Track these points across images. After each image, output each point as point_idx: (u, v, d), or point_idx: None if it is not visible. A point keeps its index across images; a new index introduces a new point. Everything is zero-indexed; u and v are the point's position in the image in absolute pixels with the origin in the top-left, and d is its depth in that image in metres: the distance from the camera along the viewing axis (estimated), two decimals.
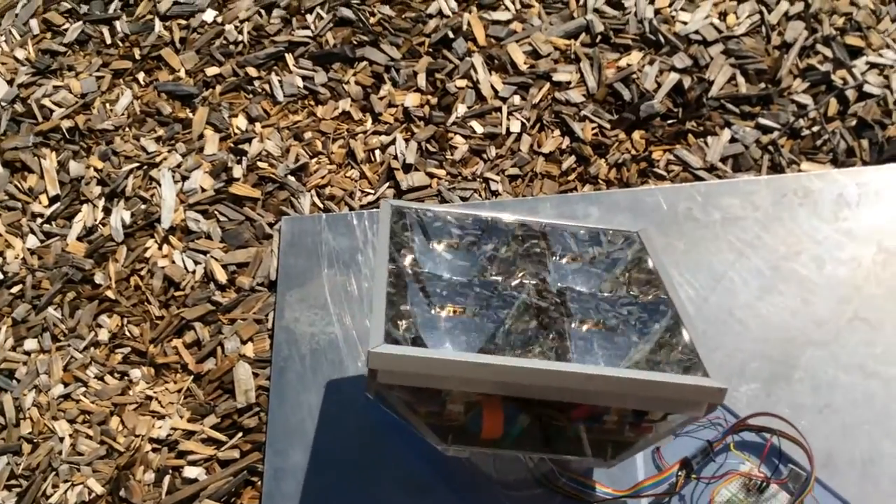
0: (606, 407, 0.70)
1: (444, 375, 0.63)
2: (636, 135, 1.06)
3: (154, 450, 0.97)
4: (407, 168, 1.08)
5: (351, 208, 1.07)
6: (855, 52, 1.08)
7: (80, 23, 1.27)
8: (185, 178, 1.12)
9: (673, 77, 1.08)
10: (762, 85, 1.07)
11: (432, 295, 0.71)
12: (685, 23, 1.12)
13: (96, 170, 1.15)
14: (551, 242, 0.82)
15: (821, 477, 0.78)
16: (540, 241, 0.81)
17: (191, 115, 1.17)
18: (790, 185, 0.97)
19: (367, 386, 0.71)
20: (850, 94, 1.04)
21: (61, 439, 0.98)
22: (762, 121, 1.04)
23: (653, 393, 0.65)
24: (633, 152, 1.05)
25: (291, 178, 1.10)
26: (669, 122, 1.06)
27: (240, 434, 0.96)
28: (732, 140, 1.03)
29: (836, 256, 0.92)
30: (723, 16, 1.13)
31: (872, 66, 1.07)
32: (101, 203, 1.13)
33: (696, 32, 1.11)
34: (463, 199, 1.05)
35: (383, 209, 0.77)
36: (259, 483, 0.93)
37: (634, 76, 1.09)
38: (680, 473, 0.75)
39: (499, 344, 0.69)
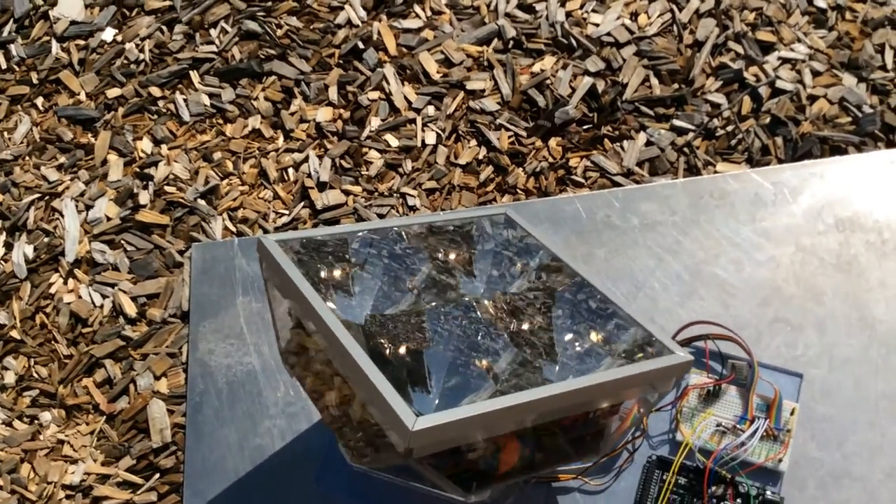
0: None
1: (482, 428, 0.61)
2: (553, 142, 1.04)
3: (68, 496, 0.93)
4: (322, 186, 1.05)
5: (265, 231, 1.03)
6: (767, 48, 1.08)
7: None
8: (88, 208, 1.07)
9: (587, 81, 1.06)
10: (676, 86, 1.06)
11: (397, 339, 0.68)
12: (597, 24, 1.11)
13: None
14: (441, 247, 0.80)
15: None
16: (438, 250, 0.79)
17: (93, 140, 1.12)
18: (706, 187, 0.96)
19: (351, 460, 0.70)
20: (764, 90, 1.04)
21: None
22: (677, 122, 1.03)
23: (636, 382, 0.68)
24: (551, 160, 1.03)
25: (202, 202, 1.06)
26: (585, 127, 1.05)
27: (157, 475, 0.92)
28: (648, 143, 1.02)
29: (754, 258, 0.92)
30: (634, 16, 1.11)
31: (784, 61, 1.07)
32: (2, 238, 1.07)
33: (608, 34, 1.09)
34: (380, 215, 1.02)
35: (274, 252, 0.71)
36: None
37: (548, 82, 1.07)
38: (641, 411, 0.75)
39: (497, 375, 0.67)
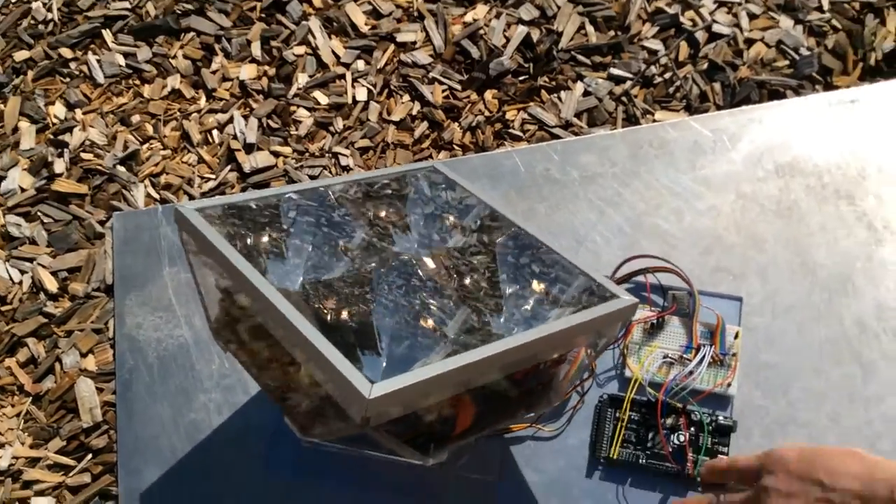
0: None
1: (438, 389, 0.59)
2: (488, 95, 1.01)
3: None
4: (249, 148, 1.00)
5: (191, 197, 0.99)
6: None
7: None
8: (1, 179, 1.01)
9: (521, 30, 1.03)
10: (612, 33, 1.03)
11: (339, 304, 0.64)
12: None
13: None
14: (374, 206, 0.77)
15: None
16: (371, 209, 0.76)
17: (2, 106, 1.06)
18: (645, 136, 0.94)
19: (300, 433, 0.67)
20: (701, 35, 1.02)
21: None
22: (614, 71, 1.01)
23: (585, 330, 0.67)
24: (487, 114, 1.00)
25: (121, 169, 1.01)
26: (521, 78, 1.02)
27: (89, 456, 0.89)
28: (586, 94, 1.00)
29: (695, 207, 0.90)
30: None
31: (721, 4, 1.05)
32: None
33: None
34: (312, 177, 0.98)
35: (194, 220, 0.67)
36: None
37: (482, 32, 1.04)
38: (588, 352, 0.74)
39: (445, 334, 0.64)
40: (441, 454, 0.66)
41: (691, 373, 0.80)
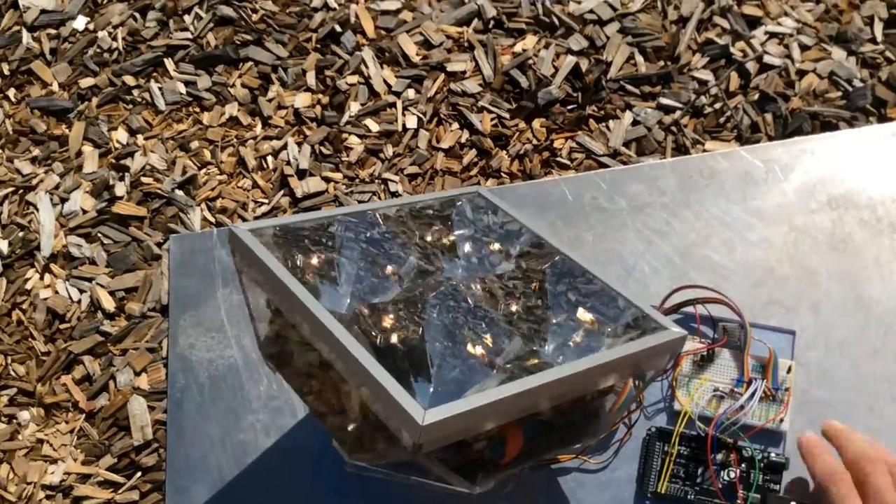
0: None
1: (491, 417, 0.59)
2: (536, 123, 1.02)
3: (48, 497, 0.91)
4: (301, 174, 1.03)
5: (244, 220, 1.01)
6: (753, 22, 1.05)
7: None
8: (64, 201, 1.05)
9: (570, 60, 1.04)
10: (661, 63, 1.04)
11: (389, 329, 0.65)
12: (579, 2, 1.08)
13: None
14: (421, 231, 0.77)
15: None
16: (418, 233, 0.77)
17: (67, 131, 1.10)
18: (695, 166, 0.94)
19: (348, 458, 0.67)
20: (751, 66, 1.02)
21: None
22: (663, 100, 1.01)
23: (633, 361, 0.66)
24: (535, 142, 1.01)
25: (179, 193, 1.03)
26: (569, 107, 1.02)
27: (138, 474, 0.91)
28: (634, 123, 1.00)
29: (746, 238, 0.89)
30: None
31: (772, 35, 1.04)
32: None
33: (591, 12, 1.07)
34: (361, 202, 1.00)
35: (247, 241, 0.69)
36: None
37: (531, 62, 1.05)
38: (636, 383, 0.73)
39: (494, 362, 0.65)
40: (488, 483, 0.65)
41: (742, 407, 0.78)
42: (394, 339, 0.62)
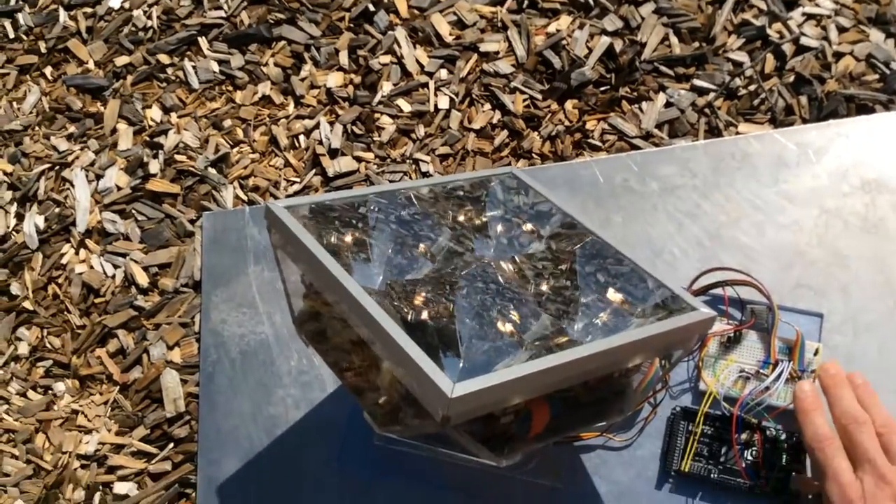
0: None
1: (518, 392, 0.60)
2: (569, 104, 1.01)
3: (83, 466, 0.93)
4: (333, 153, 1.03)
5: (276, 199, 1.02)
6: (790, 3, 1.04)
7: None
8: (99, 177, 1.06)
9: (604, 41, 1.03)
10: (696, 44, 1.03)
11: (421, 305, 0.66)
12: None
13: (6, 173, 1.09)
14: (453, 210, 0.78)
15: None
16: (450, 213, 0.77)
17: (102, 109, 1.11)
18: (728, 148, 0.93)
19: (375, 434, 0.70)
20: (787, 48, 1.01)
21: None
22: (697, 82, 1.00)
23: (660, 341, 0.67)
24: (567, 123, 1.00)
25: (212, 171, 1.05)
26: (602, 89, 1.02)
27: (171, 445, 0.92)
28: (668, 104, 1.00)
29: (777, 221, 0.89)
30: None
31: (809, 17, 1.03)
32: (13, 209, 1.07)
33: None
34: (392, 182, 1.00)
35: (284, 218, 0.70)
36: (193, 495, 0.89)
37: (564, 42, 1.05)
38: (663, 363, 0.74)
39: (523, 339, 0.66)
40: (514, 456, 0.66)
41: (768, 388, 0.79)
42: (424, 315, 0.63)
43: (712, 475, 0.78)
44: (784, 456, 0.77)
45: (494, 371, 0.58)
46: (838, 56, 1.00)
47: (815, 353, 0.80)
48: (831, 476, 0.68)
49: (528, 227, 0.79)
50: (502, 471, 0.68)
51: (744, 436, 0.79)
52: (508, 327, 0.66)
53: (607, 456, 0.82)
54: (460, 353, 0.62)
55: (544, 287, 0.72)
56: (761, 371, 0.80)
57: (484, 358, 0.62)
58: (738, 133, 0.97)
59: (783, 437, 0.77)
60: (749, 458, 0.78)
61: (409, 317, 0.64)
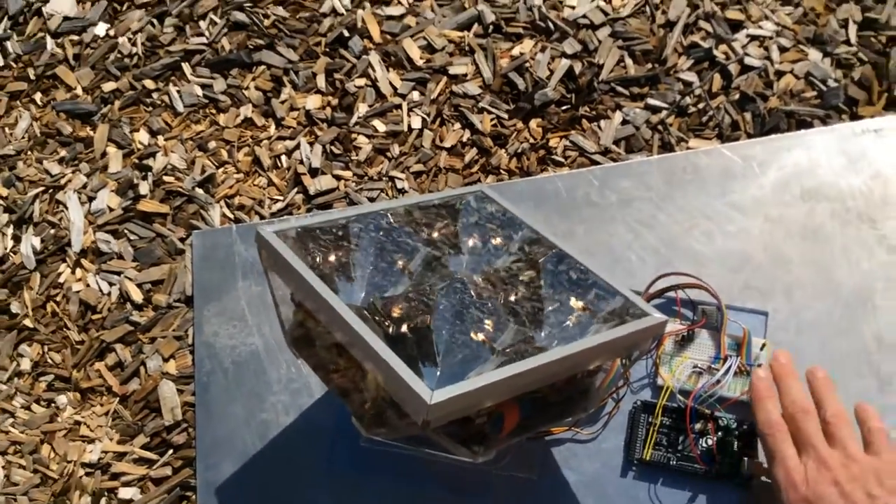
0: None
1: (490, 396, 0.67)
2: (533, 123, 1.09)
3: (87, 474, 0.99)
4: (314, 172, 1.10)
5: (261, 217, 1.08)
6: (735, 26, 1.12)
7: None
8: (91, 199, 1.12)
9: (564, 63, 1.11)
10: (649, 65, 1.10)
11: (400, 319, 0.73)
12: (573, 7, 1.15)
13: (1, 197, 1.14)
14: (428, 228, 0.85)
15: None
16: (425, 231, 0.85)
17: (92, 133, 1.17)
18: (680, 163, 1.01)
19: (361, 436, 0.78)
20: (733, 68, 1.09)
21: None
22: (651, 101, 1.08)
23: (619, 344, 0.75)
24: (532, 141, 1.08)
25: (199, 191, 1.11)
26: (564, 108, 1.09)
27: (170, 451, 0.98)
28: (624, 122, 1.07)
29: (725, 229, 0.97)
30: None
31: (753, 38, 1.11)
32: (10, 231, 1.12)
33: (584, 17, 1.14)
34: (370, 199, 1.07)
35: (273, 242, 0.76)
36: (194, 497, 0.95)
37: (527, 65, 1.12)
38: (623, 362, 0.82)
39: (494, 347, 0.73)
40: (489, 453, 0.74)
41: (719, 381, 0.87)
42: (403, 328, 0.71)
43: (671, 462, 0.86)
44: (735, 442, 0.85)
45: (468, 378, 0.66)
46: (780, 74, 1.08)
47: (762, 348, 0.89)
48: (778, 460, 0.76)
49: (498, 241, 0.87)
50: (479, 466, 0.75)
51: (698, 425, 0.87)
52: (481, 336, 0.73)
53: (576, 448, 0.90)
54: (437, 362, 0.69)
55: (512, 297, 0.80)
56: (713, 366, 0.89)
57: (459, 365, 0.70)
58: (688, 148, 1.05)
59: (734, 425, 0.86)
60: (704, 445, 0.86)
61: (391, 330, 0.71)
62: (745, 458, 0.84)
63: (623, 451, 0.89)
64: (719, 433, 0.86)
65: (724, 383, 0.87)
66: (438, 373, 0.68)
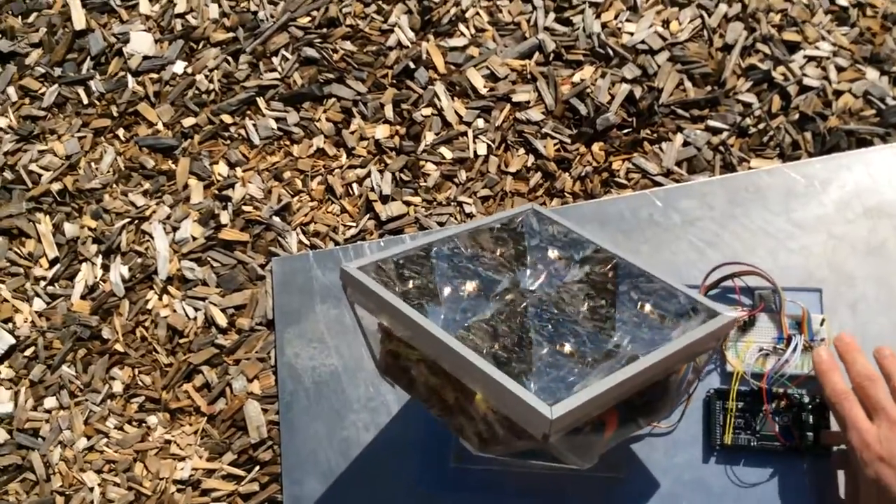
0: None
1: (600, 405, 0.71)
2: (595, 147, 1.13)
3: (179, 490, 1.04)
4: (384, 199, 1.15)
5: (336, 243, 1.13)
6: (793, 47, 1.15)
7: (56, 86, 1.32)
8: (175, 229, 1.18)
9: (624, 88, 1.15)
10: (708, 88, 1.14)
11: (497, 340, 0.76)
12: (631, 33, 1.19)
13: (90, 229, 1.21)
14: (498, 249, 0.89)
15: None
16: (496, 252, 0.89)
17: (173, 166, 1.23)
18: (742, 182, 1.04)
19: (454, 456, 0.87)
20: (792, 89, 1.11)
21: (91, 489, 1.05)
22: (711, 122, 1.11)
23: (700, 345, 0.78)
24: (595, 164, 1.12)
25: (276, 219, 1.16)
26: (625, 131, 1.13)
27: (257, 468, 1.03)
28: (685, 144, 1.10)
29: (788, 247, 1.00)
30: (666, 23, 1.19)
31: (810, 59, 1.14)
32: (99, 260, 1.19)
33: (643, 42, 1.17)
34: (440, 223, 1.12)
35: (360, 278, 0.78)
36: None
37: (588, 90, 1.16)
38: (697, 360, 0.85)
39: (585, 358, 0.77)
40: (594, 458, 0.78)
41: (787, 360, 0.90)
42: (502, 348, 0.75)
43: (752, 443, 0.90)
44: (811, 416, 0.88)
45: (575, 391, 0.69)
46: (838, 94, 1.10)
47: (822, 324, 0.92)
48: (851, 424, 0.79)
49: (564, 257, 0.91)
50: (579, 472, 0.79)
51: (773, 404, 0.90)
52: (568, 348, 0.77)
53: (656, 443, 0.93)
54: (538, 378, 0.73)
55: (590, 309, 0.84)
56: (777, 346, 0.92)
57: (559, 379, 0.73)
58: (750, 168, 1.08)
59: (807, 400, 0.89)
60: (781, 423, 0.89)
61: (493, 352, 0.75)
62: (822, 430, 0.87)
63: (702, 439, 0.92)
64: (794, 409, 0.89)
65: (793, 361, 0.90)
66: (540, 388, 0.72)
